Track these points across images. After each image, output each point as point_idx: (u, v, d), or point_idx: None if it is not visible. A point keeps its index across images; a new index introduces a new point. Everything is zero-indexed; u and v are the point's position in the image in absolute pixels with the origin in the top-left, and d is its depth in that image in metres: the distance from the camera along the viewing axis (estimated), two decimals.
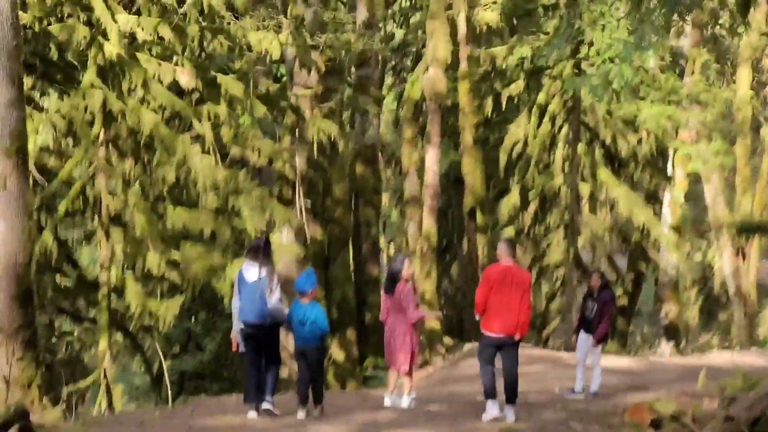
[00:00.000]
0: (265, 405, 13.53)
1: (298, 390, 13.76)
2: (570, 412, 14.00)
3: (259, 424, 12.93)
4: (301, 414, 13.43)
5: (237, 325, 13.58)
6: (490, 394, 13.53)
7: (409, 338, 14.42)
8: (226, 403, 15.50)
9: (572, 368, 17.73)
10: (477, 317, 13.62)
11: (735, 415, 10.25)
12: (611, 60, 19.53)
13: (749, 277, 35.51)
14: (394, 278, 14.47)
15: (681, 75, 33.35)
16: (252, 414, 13.35)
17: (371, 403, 15.50)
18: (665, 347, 35.02)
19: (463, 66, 30.70)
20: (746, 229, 16.66)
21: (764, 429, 10.10)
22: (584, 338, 16.59)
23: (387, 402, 14.69)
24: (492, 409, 13.49)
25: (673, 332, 35.67)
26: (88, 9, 19.91)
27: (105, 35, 19.80)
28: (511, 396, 13.46)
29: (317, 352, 13.59)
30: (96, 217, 20.30)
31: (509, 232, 31.36)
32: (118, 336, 24.60)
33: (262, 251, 13.57)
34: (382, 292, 14.96)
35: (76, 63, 22.10)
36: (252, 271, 13.42)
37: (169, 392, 22.18)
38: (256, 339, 13.44)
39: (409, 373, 14.63)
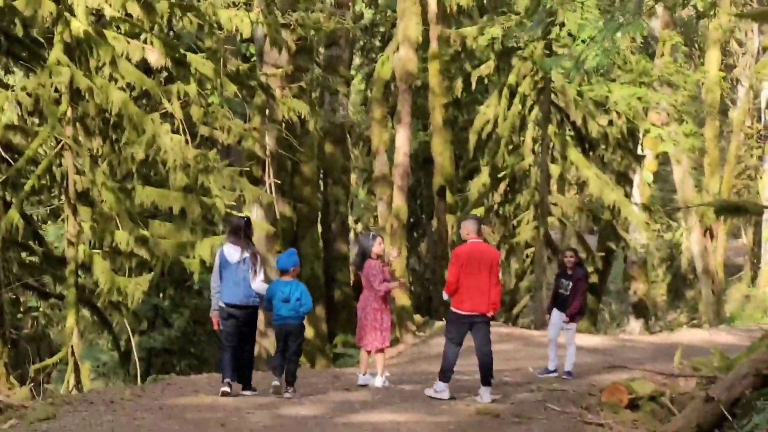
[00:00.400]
0: (248, 393, 13.57)
1: (274, 362, 13.74)
2: (546, 392, 13.98)
3: (232, 403, 12.84)
4: (276, 382, 13.40)
5: (216, 305, 13.57)
6: (447, 376, 13.46)
7: (379, 315, 14.36)
8: (197, 382, 15.38)
9: (544, 347, 17.69)
10: (446, 297, 13.58)
11: (715, 396, 10.22)
12: (584, 41, 19.45)
13: (717, 256, 35.81)
14: (365, 255, 14.43)
15: (651, 57, 33.40)
16: (225, 389, 13.33)
17: (344, 382, 15.43)
18: (634, 325, 35.26)
19: (434, 46, 30.63)
20: (724, 210, 16.55)
21: (744, 410, 10.08)
22: (557, 316, 16.47)
23: (360, 381, 14.63)
24: (442, 392, 13.42)
25: (641, 310, 35.88)
26: None
27: (72, 11, 19.50)
28: (487, 376, 13.41)
29: (298, 331, 13.56)
30: (63, 194, 20.07)
31: (479, 211, 31.33)
32: (86, 312, 24.43)
33: (243, 232, 13.60)
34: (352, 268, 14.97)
35: (42, 40, 21.76)
36: (234, 252, 13.44)
37: (138, 369, 22.07)
38: (237, 319, 13.45)
39: (382, 352, 14.56)
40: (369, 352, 14.53)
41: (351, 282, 31.32)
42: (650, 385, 12.45)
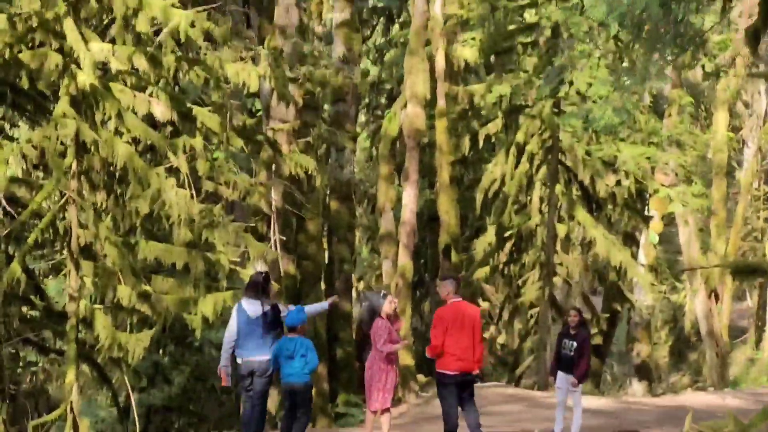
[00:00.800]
0: None
1: (282, 425, 13.63)
2: None
3: None
4: None
5: (226, 360, 13.63)
6: None
7: (384, 375, 14.17)
8: None
9: (548, 408, 17.47)
10: (429, 355, 13.55)
11: None
12: (594, 100, 19.41)
13: (722, 318, 35.58)
14: (374, 313, 14.25)
15: (659, 117, 33.37)
16: None
17: None
18: (637, 387, 34.98)
19: (441, 103, 30.56)
20: (739, 271, 16.37)
21: None
22: (563, 378, 16.13)
23: None
24: None
25: (644, 372, 35.61)
26: (61, 37, 19.53)
27: (78, 64, 19.42)
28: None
29: (306, 388, 13.48)
30: (65, 248, 19.90)
31: (484, 270, 31.17)
32: (85, 368, 24.20)
33: (261, 287, 13.66)
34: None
35: (47, 93, 21.71)
36: (253, 308, 13.47)
37: (137, 426, 21.80)
38: (254, 374, 13.60)
39: (388, 411, 14.34)
40: (375, 412, 14.33)
41: (355, 338, 31.05)
42: None
